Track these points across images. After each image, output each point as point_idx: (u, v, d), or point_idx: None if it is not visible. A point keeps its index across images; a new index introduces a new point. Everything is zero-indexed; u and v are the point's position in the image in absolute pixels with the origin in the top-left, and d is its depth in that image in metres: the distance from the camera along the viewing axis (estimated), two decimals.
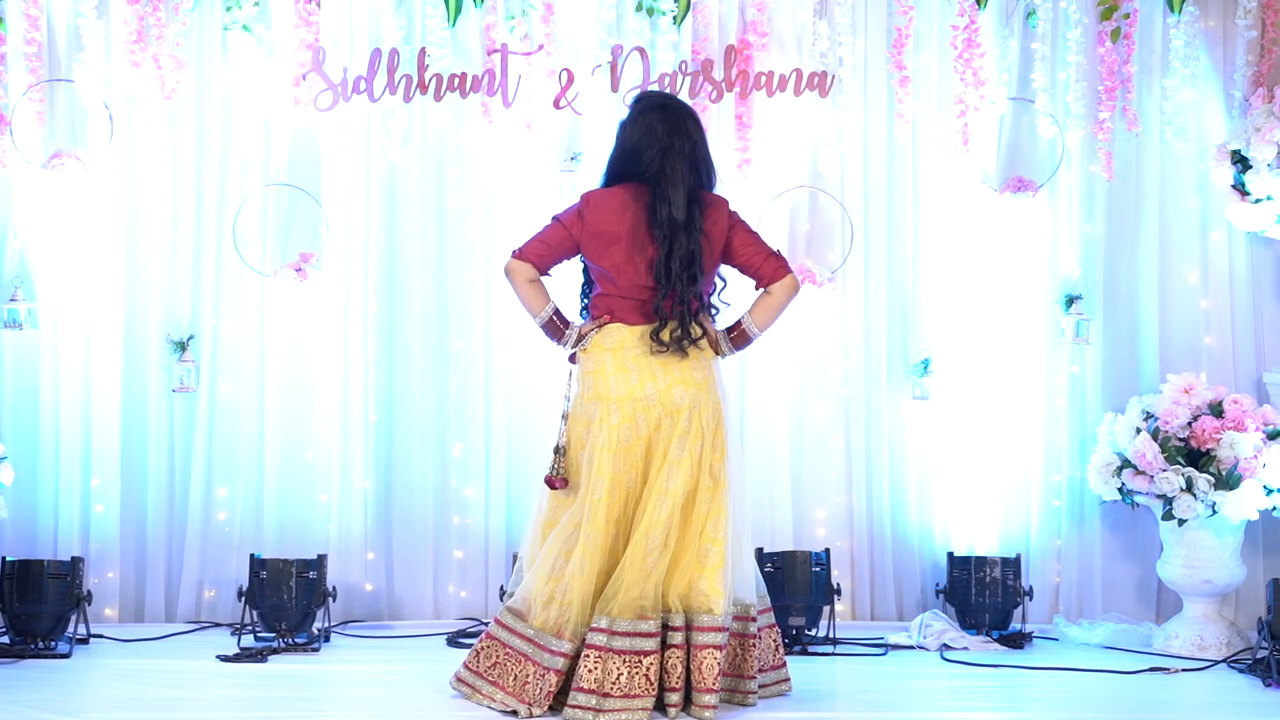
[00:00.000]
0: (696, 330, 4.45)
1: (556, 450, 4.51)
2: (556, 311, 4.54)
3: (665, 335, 4.42)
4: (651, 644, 4.31)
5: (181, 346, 5.60)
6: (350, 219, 5.68)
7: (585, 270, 4.62)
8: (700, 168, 4.49)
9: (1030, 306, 5.79)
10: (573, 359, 4.57)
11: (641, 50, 5.62)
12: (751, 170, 5.67)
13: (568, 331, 4.53)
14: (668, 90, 5.53)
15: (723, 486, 4.44)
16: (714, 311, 4.61)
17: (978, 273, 5.78)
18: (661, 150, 4.42)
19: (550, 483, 4.50)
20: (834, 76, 5.68)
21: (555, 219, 4.55)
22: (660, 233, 4.39)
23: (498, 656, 4.45)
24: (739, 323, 4.58)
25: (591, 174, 5.51)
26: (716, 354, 4.55)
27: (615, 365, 4.46)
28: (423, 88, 5.60)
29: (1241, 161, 5.60)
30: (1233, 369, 5.80)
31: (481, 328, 5.71)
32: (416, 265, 5.71)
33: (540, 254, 4.50)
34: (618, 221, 4.43)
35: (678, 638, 4.34)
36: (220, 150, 5.65)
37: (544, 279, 4.57)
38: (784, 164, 5.74)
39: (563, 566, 4.38)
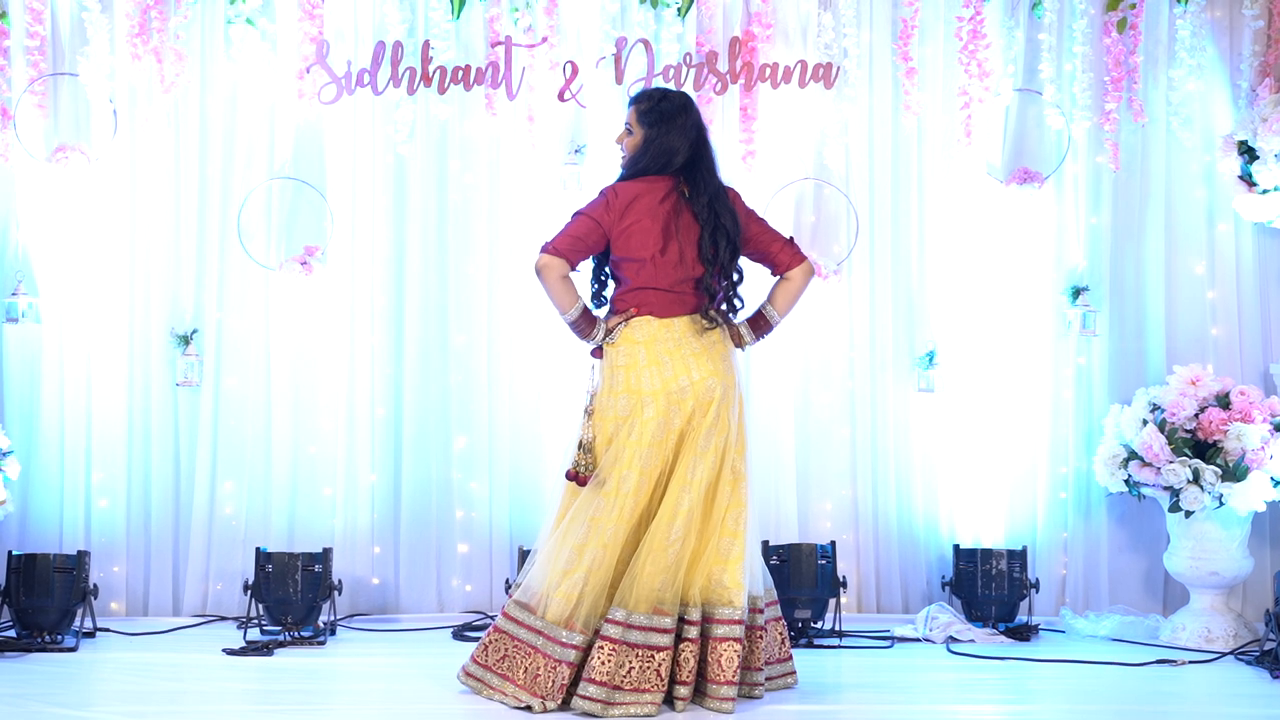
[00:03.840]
0: (738, 303, 4.50)
1: (580, 446, 4.45)
2: (585, 308, 4.49)
3: (713, 311, 4.45)
4: (666, 640, 4.29)
5: (185, 340, 5.59)
6: (355, 212, 5.68)
7: (600, 266, 4.57)
8: (715, 161, 4.54)
9: (1036, 298, 5.78)
10: (595, 353, 4.53)
11: (646, 42, 5.61)
12: (756, 162, 5.66)
13: (595, 327, 4.50)
14: (671, 84, 5.52)
15: (742, 480, 4.42)
16: (739, 304, 4.60)
17: (983, 265, 5.77)
18: (691, 145, 4.45)
19: (575, 478, 4.44)
20: (839, 68, 5.67)
21: (582, 213, 4.45)
22: (702, 213, 4.41)
23: (506, 649, 4.43)
24: (760, 311, 4.57)
25: (595, 166, 5.51)
26: (737, 345, 4.55)
27: (648, 358, 4.42)
28: (426, 80, 5.59)
29: (1248, 152, 5.59)
30: (1239, 360, 5.79)
31: (484, 321, 5.71)
32: (420, 258, 5.70)
33: (574, 249, 4.41)
34: (655, 212, 4.41)
35: (692, 631, 4.32)
36: (224, 144, 5.65)
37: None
38: (789, 156, 5.73)
39: (575, 560, 4.35)
